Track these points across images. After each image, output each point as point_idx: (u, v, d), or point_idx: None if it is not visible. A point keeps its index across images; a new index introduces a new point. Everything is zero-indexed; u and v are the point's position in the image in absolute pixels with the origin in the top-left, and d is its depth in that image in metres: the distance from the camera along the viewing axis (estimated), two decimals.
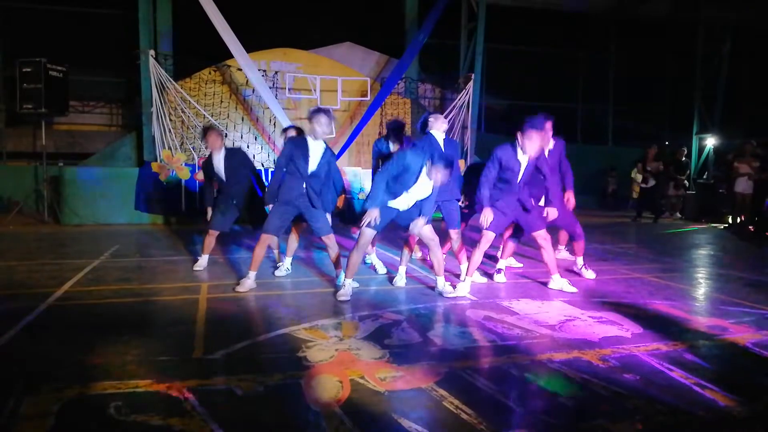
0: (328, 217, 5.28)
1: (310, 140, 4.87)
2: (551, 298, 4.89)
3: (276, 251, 6.03)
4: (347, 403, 2.68)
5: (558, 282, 5.24)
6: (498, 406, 2.69)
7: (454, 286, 4.99)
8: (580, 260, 5.95)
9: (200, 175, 9.79)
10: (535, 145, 4.86)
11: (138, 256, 6.82)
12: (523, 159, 4.94)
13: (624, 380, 3.01)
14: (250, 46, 10.48)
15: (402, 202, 4.71)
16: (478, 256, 5.05)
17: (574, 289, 5.16)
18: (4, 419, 2.48)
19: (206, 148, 5.78)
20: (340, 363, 3.21)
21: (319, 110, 4.84)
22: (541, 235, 5.11)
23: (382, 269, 5.90)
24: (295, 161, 4.83)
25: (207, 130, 5.76)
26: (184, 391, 2.78)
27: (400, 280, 5.32)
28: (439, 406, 2.67)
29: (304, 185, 4.86)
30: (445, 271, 5.91)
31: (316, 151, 4.87)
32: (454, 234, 5.50)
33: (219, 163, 5.67)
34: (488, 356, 3.41)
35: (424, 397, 2.78)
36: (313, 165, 4.85)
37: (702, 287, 5.53)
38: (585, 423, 2.55)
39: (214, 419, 2.49)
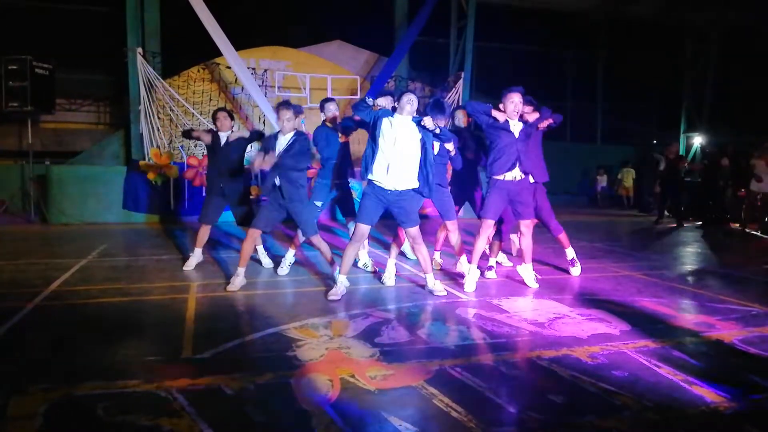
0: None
1: (281, 134, 5.05)
2: (540, 297, 4.92)
3: (260, 247, 6.00)
4: (337, 402, 2.68)
5: (526, 271, 5.30)
6: (488, 404, 2.70)
7: (463, 283, 5.03)
8: (570, 251, 5.93)
9: (189, 174, 9.73)
10: (515, 105, 4.90)
11: (126, 255, 6.77)
12: (514, 125, 4.98)
13: (612, 377, 3.03)
14: (239, 44, 10.42)
15: (387, 175, 4.58)
16: (480, 243, 5.09)
17: (536, 285, 5.23)
18: None
19: (217, 129, 5.82)
20: (330, 362, 3.21)
21: (280, 105, 5.06)
22: (526, 223, 5.17)
23: (370, 267, 5.89)
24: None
25: (217, 112, 5.87)
26: (174, 391, 2.77)
27: (389, 279, 5.32)
28: (429, 404, 2.68)
29: (277, 177, 4.96)
30: (441, 269, 5.93)
31: (281, 142, 5.00)
32: (451, 225, 5.49)
33: (222, 140, 5.77)
34: (478, 354, 3.42)
35: (415, 395, 2.78)
36: (277, 156, 4.93)
37: (689, 284, 5.57)
38: (574, 420, 2.57)
39: (204, 419, 2.48)
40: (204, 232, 5.82)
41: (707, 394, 2.85)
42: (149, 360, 3.23)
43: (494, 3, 13.56)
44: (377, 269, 5.76)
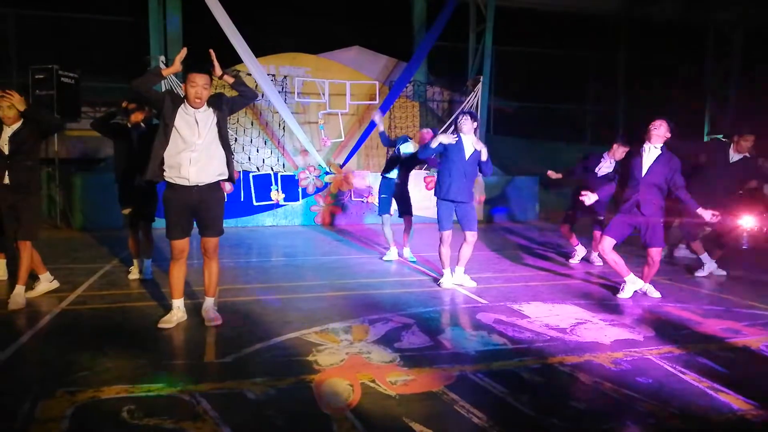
0: None
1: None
2: (562, 302, 4.87)
3: None
4: (358, 407, 2.69)
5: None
6: (509, 410, 2.69)
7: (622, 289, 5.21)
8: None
9: None
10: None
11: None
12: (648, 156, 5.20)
13: (636, 383, 3.00)
14: (259, 51, 10.51)
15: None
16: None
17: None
18: (19, 423, 2.51)
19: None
20: (350, 366, 3.22)
21: None
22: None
23: (394, 256, 6.69)
24: None
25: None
26: (197, 394, 2.80)
27: (447, 282, 5.41)
28: (450, 410, 2.67)
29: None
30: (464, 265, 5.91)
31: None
32: (470, 236, 5.44)
33: None
34: (499, 359, 3.40)
35: (435, 400, 2.78)
36: None
37: (714, 289, 5.48)
38: (597, 426, 2.54)
39: (226, 423, 2.51)
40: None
41: (734, 401, 2.79)
42: (173, 364, 3.27)
43: (513, 7, 13.50)
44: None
